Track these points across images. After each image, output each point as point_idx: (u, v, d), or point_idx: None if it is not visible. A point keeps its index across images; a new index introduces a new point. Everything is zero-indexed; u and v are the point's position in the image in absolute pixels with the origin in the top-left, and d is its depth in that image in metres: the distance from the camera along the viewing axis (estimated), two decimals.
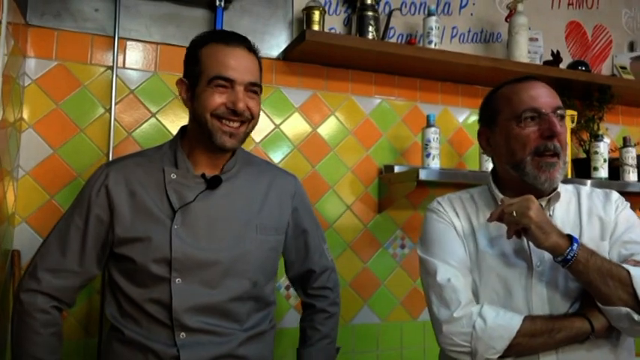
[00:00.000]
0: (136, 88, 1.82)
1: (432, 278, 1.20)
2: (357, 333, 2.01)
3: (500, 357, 1.11)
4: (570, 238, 1.10)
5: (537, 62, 2.27)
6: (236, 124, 1.26)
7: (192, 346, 1.22)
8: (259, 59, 1.33)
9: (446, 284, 1.17)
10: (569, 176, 2.18)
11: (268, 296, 1.35)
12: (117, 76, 1.78)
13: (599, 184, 2.20)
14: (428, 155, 1.99)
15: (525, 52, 2.20)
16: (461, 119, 2.29)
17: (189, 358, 1.21)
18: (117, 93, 1.78)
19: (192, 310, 1.23)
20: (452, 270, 1.19)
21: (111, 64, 1.78)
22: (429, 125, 2.01)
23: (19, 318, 1.23)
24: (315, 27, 1.93)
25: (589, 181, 2.17)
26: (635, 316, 1.05)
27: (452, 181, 1.99)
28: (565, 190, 1.26)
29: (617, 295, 1.07)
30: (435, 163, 1.99)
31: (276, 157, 1.97)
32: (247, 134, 1.31)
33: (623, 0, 2.71)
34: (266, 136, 1.97)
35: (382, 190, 2.09)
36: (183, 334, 1.22)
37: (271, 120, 1.99)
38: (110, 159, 1.72)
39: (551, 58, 2.32)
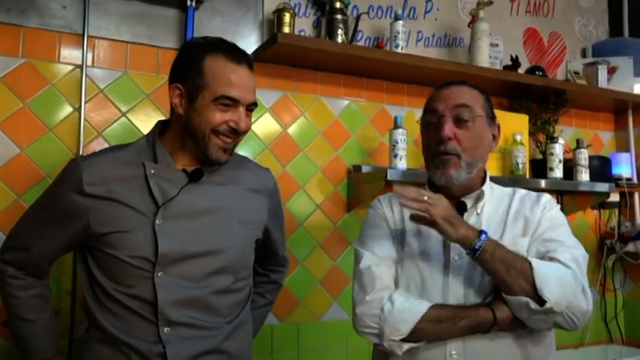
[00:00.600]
0: (106, 87, 1.80)
1: (356, 266, 1.30)
2: (327, 329, 2.06)
3: (409, 342, 1.16)
4: (480, 232, 1.15)
5: (498, 67, 2.37)
6: (230, 140, 1.28)
7: (177, 341, 1.22)
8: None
9: (365, 271, 1.26)
10: (527, 176, 2.29)
11: (246, 288, 1.38)
12: (86, 75, 1.76)
13: (554, 183, 2.32)
14: (395, 156, 2.05)
15: (487, 56, 2.29)
16: None
17: (176, 354, 1.21)
18: (86, 92, 1.76)
19: (177, 304, 1.23)
20: (375, 259, 1.27)
21: (80, 62, 1.76)
22: (396, 127, 2.08)
23: (0, 285, 1.32)
24: (286, 29, 1.96)
25: (543, 181, 2.29)
26: (532, 305, 1.09)
27: (418, 181, 2.06)
28: (501, 192, 1.33)
29: (518, 284, 1.11)
30: (402, 164, 2.05)
31: (248, 156, 1.99)
32: (234, 147, 1.33)
33: (576, 9, 2.85)
34: None
35: (351, 190, 2.14)
36: (167, 329, 1.22)
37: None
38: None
39: (510, 62, 2.43)
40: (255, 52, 2.00)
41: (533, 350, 1.19)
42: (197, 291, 1.26)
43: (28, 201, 1.67)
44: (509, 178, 2.23)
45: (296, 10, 2.07)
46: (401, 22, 2.14)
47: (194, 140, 1.27)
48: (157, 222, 1.23)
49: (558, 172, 2.34)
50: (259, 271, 1.56)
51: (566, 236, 1.23)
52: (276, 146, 2.05)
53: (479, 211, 1.28)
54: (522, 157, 2.23)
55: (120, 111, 1.82)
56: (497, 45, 2.39)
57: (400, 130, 2.07)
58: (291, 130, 2.08)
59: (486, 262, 1.14)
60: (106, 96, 1.80)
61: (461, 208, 1.26)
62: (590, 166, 2.43)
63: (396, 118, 2.09)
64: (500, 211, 1.28)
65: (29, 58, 1.71)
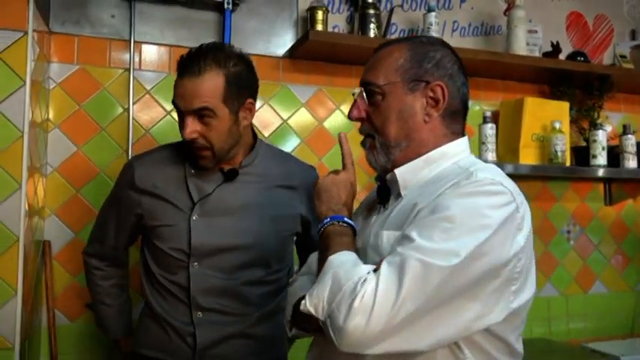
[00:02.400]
0: (152, 88, 1.95)
1: None
2: None
3: (301, 330, 1.03)
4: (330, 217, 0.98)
5: (536, 54, 2.34)
6: (194, 150, 1.33)
7: (206, 324, 1.36)
8: (228, 73, 1.31)
9: (309, 256, 1.18)
10: (568, 164, 2.25)
11: (281, 281, 1.46)
12: (133, 77, 1.91)
13: (598, 171, 2.27)
14: None
15: (524, 44, 2.27)
16: None
17: (204, 335, 1.35)
18: (134, 93, 1.91)
19: (207, 292, 1.36)
20: None
21: (128, 66, 1.91)
22: None
23: (86, 274, 1.57)
24: (319, 26, 2.03)
25: (585, 169, 2.24)
26: (302, 305, 0.88)
27: None
28: (450, 171, 0.97)
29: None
30: None
31: (285, 150, 2.08)
32: (223, 154, 1.35)
33: None
34: (274, 131, 2.09)
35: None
36: (199, 314, 1.36)
37: (279, 115, 2.10)
38: (130, 155, 1.85)
39: (550, 49, 2.39)
40: (290, 49, 2.08)
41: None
42: (228, 282, 1.37)
43: (85, 195, 1.84)
44: (548, 167, 2.21)
45: (330, 7, 2.14)
46: (434, 13, 2.16)
47: None
48: (193, 218, 1.37)
49: (602, 159, 2.28)
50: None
51: (436, 233, 0.84)
52: (312, 139, 2.13)
53: (403, 196, 1.01)
54: (562, 145, 2.20)
55: (165, 110, 1.96)
56: (535, 31, 2.36)
57: None
58: (326, 123, 2.16)
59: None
60: (152, 96, 1.95)
61: (382, 195, 1.06)
62: (638, 153, 2.35)
63: None
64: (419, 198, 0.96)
65: (83, 64, 1.87)
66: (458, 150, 1.02)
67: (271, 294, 1.44)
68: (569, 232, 2.51)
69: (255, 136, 1.50)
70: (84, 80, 1.87)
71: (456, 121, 1.03)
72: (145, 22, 1.95)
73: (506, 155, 2.27)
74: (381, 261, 0.86)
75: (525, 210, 0.92)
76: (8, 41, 1.50)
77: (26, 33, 1.51)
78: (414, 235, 0.85)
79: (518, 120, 2.25)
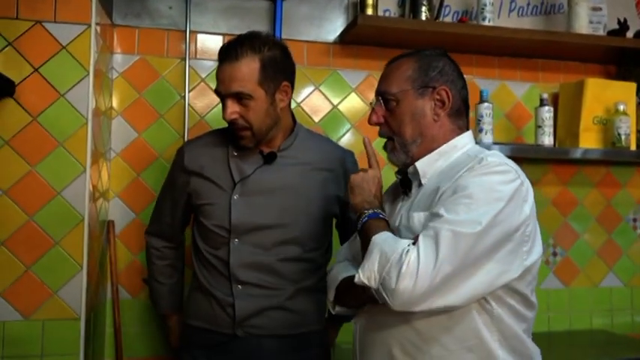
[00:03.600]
0: (206, 76, 2.03)
1: None
2: None
3: (344, 306, 1.25)
4: (370, 212, 1.15)
5: (600, 32, 2.21)
6: (235, 130, 1.43)
7: (245, 297, 1.44)
8: (263, 58, 1.39)
9: (340, 247, 1.44)
10: (632, 147, 2.13)
11: (318, 259, 1.53)
12: (189, 66, 1.99)
13: None
14: (480, 130, 2.04)
15: (586, 22, 2.16)
16: (519, 93, 2.30)
17: (242, 306, 1.44)
18: (190, 81, 1.99)
19: (246, 266, 1.44)
20: (355, 235, 1.31)
21: (184, 55, 2.00)
22: (482, 101, 2.06)
23: (146, 252, 1.69)
24: (369, 10, 2.03)
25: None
26: (356, 277, 1.05)
27: (505, 155, 2.03)
28: (461, 160, 1.15)
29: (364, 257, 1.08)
30: (487, 138, 2.04)
31: (335, 135, 2.11)
32: (262, 133, 1.43)
33: None
34: (324, 116, 2.12)
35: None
36: (238, 286, 1.45)
37: (329, 101, 2.12)
38: (185, 140, 1.94)
39: (617, 27, 2.26)
40: (340, 35, 2.09)
41: (426, 326, 1.08)
42: (265, 257, 1.45)
43: (145, 178, 1.96)
44: (610, 151, 2.10)
45: None
46: None
47: None
48: (234, 197, 1.45)
49: None
50: None
51: (460, 208, 1.02)
52: (362, 124, 2.14)
53: (423, 184, 1.19)
54: (626, 128, 2.08)
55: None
56: (600, 9, 2.23)
57: (486, 105, 2.05)
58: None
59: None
60: (207, 84, 2.02)
61: (405, 185, 1.23)
62: None
63: (482, 92, 2.07)
64: (439, 183, 1.14)
65: (143, 54, 1.98)
66: (465, 142, 1.21)
67: (307, 271, 1.50)
68: (635, 220, 2.38)
69: (294, 120, 1.56)
70: (144, 70, 1.97)
71: (460, 118, 1.22)
72: (199, 13, 2.02)
73: (566, 139, 2.18)
74: (417, 236, 1.02)
75: (528, 185, 1.10)
76: (73, 34, 1.61)
77: (90, 26, 1.62)
78: (441, 211, 1.03)
79: (578, 102, 2.15)
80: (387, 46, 2.15)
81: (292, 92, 1.51)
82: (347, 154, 1.62)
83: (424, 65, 1.20)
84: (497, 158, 1.10)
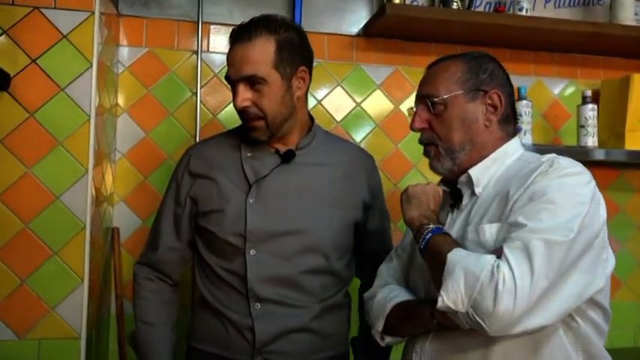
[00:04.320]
0: (220, 71, 1.87)
1: None
2: None
3: (391, 335, 1.13)
4: (428, 227, 1.05)
5: None
6: (246, 120, 1.29)
7: (266, 317, 1.26)
8: (279, 38, 1.25)
9: (379, 268, 1.28)
10: None
11: (342, 271, 1.36)
12: (202, 59, 1.84)
13: None
14: (519, 130, 1.87)
15: (631, 13, 1.99)
16: (556, 91, 2.13)
17: (263, 329, 1.25)
18: (202, 76, 1.83)
19: (266, 281, 1.27)
20: (391, 255, 1.28)
21: (196, 48, 1.84)
22: (520, 98, 1.89)
23: (133, 287, 1.42)
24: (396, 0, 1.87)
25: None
26: (439, 302, 0.93)
27: None
28: (520, 165, 1.09)
29: (437, 278, 0.97)
30: (526, 139, 1.87)
31: (358, 136, 1.95)
32: (277, 124, 1.28)
33: None
34: (347, 115, 1.95)
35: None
36: (257, 305, 1.27)
37: (352, 98, 1.96)
38: (197, 141, 1.78)
39: None
40: (365, 26, 1.93)
41: (511, 349, 0.97)
42: (286, 269, 1.28)
43: (153, 182, 1.80)
44: None
45: None
46: None
47: None
48: (250, 201, 1.28)
49: None
50: (367, 282, 1.43)
51: (544, 215, 0.92)
52: (388, 124, 1.97)
53: (477, 194, 1.10)
54: None
55: None
56: None
57: (524, 102, 1.89)
58: (403, 106, 1.99)
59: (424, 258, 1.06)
60: (220, 80, 1.86)
61: (455, 196, 1.15)
62: None
63: (519, 88, 1.90)
64: (499, 192, 1.06)
65: (151, 47, 1.82)
66: (516, 147, 1.14)
67: (333, 285, 1.34)
68: None
69: (312, 118, 1.42)
70: (152, 64, 1.82)
71: (509, 125, 1.15)
72: (213, 3, 1.86)
73: (610, 140, 2.00)
74: (499, 249, 0.92)
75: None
76: (75, 22, 1.46)
77: (93, 13, 1.46)
78: (522, 220, 0.93)
79: (623, 100, 1.97)
80: (414, 39, 2.00)
81: (310, 81, 1.35)
82: (368, 158, 1.47)
83: (475, 67, 1.13)
84: (567, 160, 1.03)
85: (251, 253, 1.27)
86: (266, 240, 1.28)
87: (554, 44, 2.05)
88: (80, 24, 1.46)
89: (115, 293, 1.72)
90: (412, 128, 1.17)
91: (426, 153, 1.18)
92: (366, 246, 1.43)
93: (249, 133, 1.29)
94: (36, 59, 1.43)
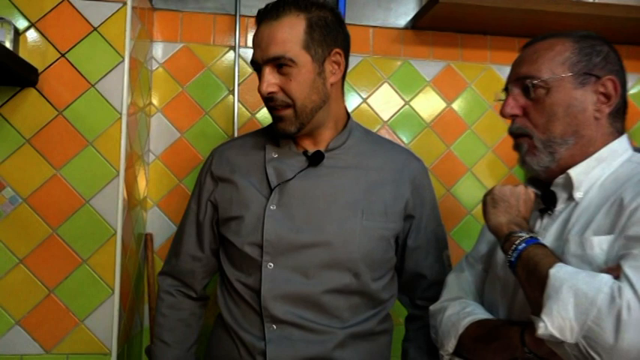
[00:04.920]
0: None
1: None
2: None
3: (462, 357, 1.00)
4: (520, 235, 0.89)
5: None
6: (273, 108, 1.14)
7: (280, 341, 1.10)
8: (310, 16, 1.11)
9: (446, 279, 1.14)
10: None
11: (378, 293, 1.17)
12: (239, 55, 1.72)
13: None
14: None
15: None
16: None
17: (277, 355, 1.10)
18: (239, 73, 1.72)
19: (282, 299, 1.11)
20: (462, 264, 1.14)
21: (233, 43, 1.73)
22: None
23: (157, 301, 1.31)
24: None
25: None
26: (540, 328, 0.77)
27: None
28: (631, 168, 0.93)
29: (534, 298, 0.82)
30: None
31: (406, 137, 1.80)
32: (307, 114, 1.13)
33: None
34: (394, 114, 1.80)
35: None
36: (273, 326, 1.11)
37: (400, 96, 1.81)
38: None
39: None
40: (413, 18, 1.79)
41: None
42: (308, 287, 1.11)
43: (188, 185, 1.69)
44: None
45: None
46: None
47: None
48: (270, 207, 1.13)
49: None
50: (412, 312, 1.29)
51: None
52: (439, 124, 1.82)
53: (577, 199, 0.94)
54: None
55: None
56: None
57: None
58: (456, 105, 1.83)
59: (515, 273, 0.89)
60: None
61: (548, 200, 0.98)
62: None
63: None
64: (607, 199, 0.91)
65: (186, 42, 1.72)
66: (624, 147, 0.97)
67: (364, 308, 1.16)
68: None
69: (348, 114, 1.24)
70: (187, 60, 1.71)
71: (620, 119, 0.99)
72: None
73: None
74: (617, 268, 0.78)
75: None
76: (107, 13, 1.36)
77: (125, 4, 1.36)
78: None
79: None
80: (468, 31, 1.84)
81: (346, 67, 1.19)
82: (415, 162, 1.27)
83: (586, 48, 0.96)
84: None
85: (268, 267, 1.12)
86: (286, 252, 1.12)
87: (623, 36, 1.85)
88: (111, 16, 1.36)
89: (149, 305, 1.61)
90: (503, 114, 1.00)
91: (516, 146, 1.01)
92: (407, 265, 1.24)
93: (276, 125, 1.15)
94: (65, 53, 1.34)
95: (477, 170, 1.82)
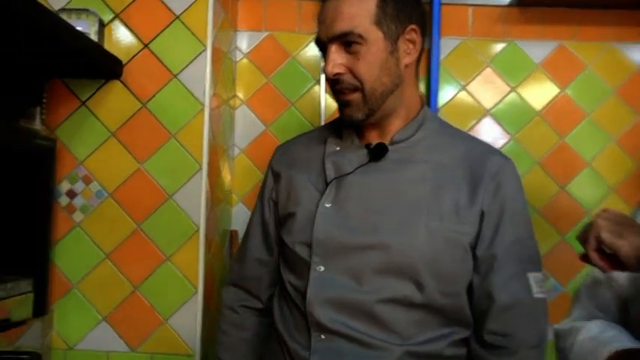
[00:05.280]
0: None
1: None
2: None
3: None
4: None
5: None
6: (339, 92, 0.99)
7: (329, 354, 0.95)
8: None
9: (577, 292, 1.01)
10: None
11: (452, 311, 0.97)
12: None
13: None
14: None
15: None
16: None
17: None
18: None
19: (328, 305, 0.96)
20: (594, 275, 0.98)
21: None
22: None
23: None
24: None
25: None
26: None
27: None
28: None
29: None
30: None
31: (513, 127, 1.61)
32: (376, 98, 0.98)
33: None
34: (498, 102, 1.62)
35: None
36: (320, 336, 0.96)
37: (505, 81, 1.62)
38: None
39: None
40: None
41: None
42: (359, 294, 0.95)
43: None
44: None
45: None
46: None
47: None
48: (325, 204, 0.99)
49: None
50: (475, 351, 1.01)
51: None
52: (551, 112, 1.61)
53: None
54: None
55: None
56: None
57: None
58: (571, 90, 1.61)
59: None
60: None
61: None
62: None
63: None
64: None
65: (271, 31, 1.64)
66: None
67: (427, 325, 0.97)
68: None
69: (422, 102, 1.07)
70: (272, 49, 1.64)
71: None
72: None
73: None
74: None
75: None
76: (189, 1, 1.31)
77: None
78: None
79: None
80: (584, 5, 1.61)
81: (423, 48, 1.02)
82: (498, 158, 1.03)
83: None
84: None
85: (317, 269, 0.98)
86: (337, 254, 0.98)
87: None
88: (194, 3, 1.30)
89: None
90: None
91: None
92: (474, 281, 0.99)
93: (342, 112, 1.01)
94: (148, 44, 1.30)
95: (598, 165, 1.58)
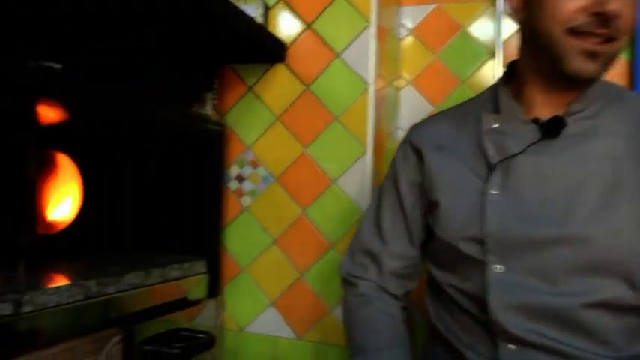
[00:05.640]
0: None
1: None
2: None
3: None
4: None
5: None
6: (597, 38, 0.78)
7: None
8: None
9: None
10: None
11: None
12: (503, 11, 1.44)
13: None
14: None
15: None
16: None
17: None
18: (502, 32, 1.44)
19: (518, 312, 0.82)
20: None
21: None
22: None
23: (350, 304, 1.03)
24: None
25: None
26: None
27: None
28: None
29: None
30: None
31: None
32: (614, 57, 0.81)
33: None
34: None
35: None
36: (511, 347, 0.82)
37: None
38: None
39: None
40: None
41: None
42: (557, 298, 0.80)
43: None
44: None
45: None
46: None
47: (541, 54, 0.84)
48: (491, 192, 0.85)
49: None
50: None
51: None
52: None
53: None
54: None
55: None
56: None
57: None
58: None
59: None
60: None
61: None
62: None
63: None
64: None
65: (439, 2, 1.51)
66: None
67: None
68: None
69: None
70: (441, 22, 1.50)
71: None
72: None
73: None
74: None
75: None
76: None
77: None
78: None
79: None
80: None
81: None
82: None
83: None
84: None
85: (496, 270, 0.84)
86: (519, 250, 0.83)
87: None
88: None
89: None
90: None
91: None
92: None
93: (579, 66, 0.80)
94: (311, 24, 1.27)
95: None
